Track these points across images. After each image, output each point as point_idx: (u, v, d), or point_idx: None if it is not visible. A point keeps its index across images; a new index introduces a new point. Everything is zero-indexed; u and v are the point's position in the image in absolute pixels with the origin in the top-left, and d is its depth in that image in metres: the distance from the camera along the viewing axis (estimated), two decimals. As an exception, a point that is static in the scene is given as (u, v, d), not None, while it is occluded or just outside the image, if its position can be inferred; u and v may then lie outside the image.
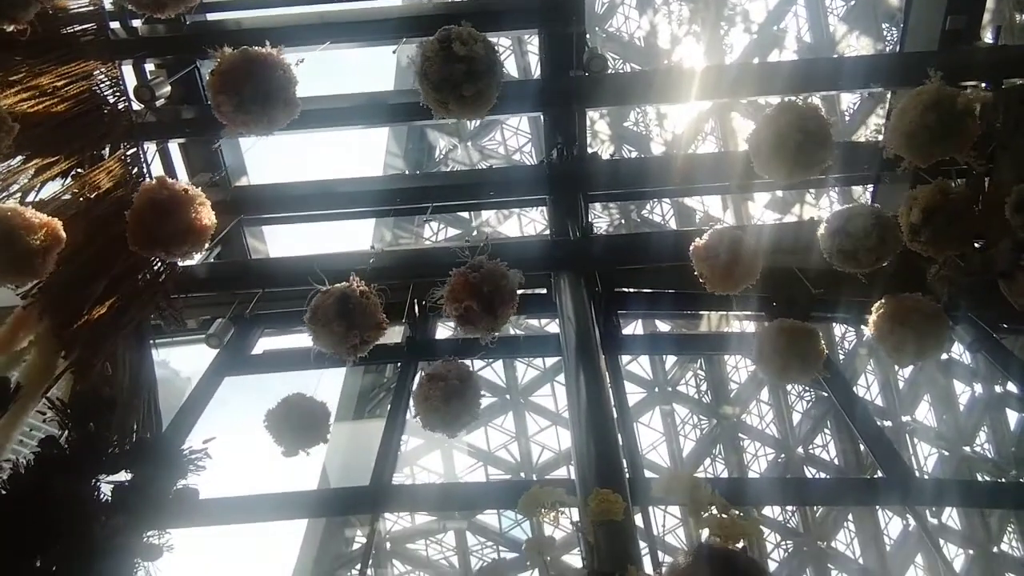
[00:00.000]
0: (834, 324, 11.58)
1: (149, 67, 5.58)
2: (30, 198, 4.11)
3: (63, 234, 3.63)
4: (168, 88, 5.56)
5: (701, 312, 6.97)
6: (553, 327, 6.53)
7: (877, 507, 15.97)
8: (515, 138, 21.03)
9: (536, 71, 8.46)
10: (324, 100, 5.82)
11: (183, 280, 5.17)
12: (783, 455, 19.02)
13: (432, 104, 3.49)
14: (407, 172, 19.64)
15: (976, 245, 4.46)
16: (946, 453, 16.49)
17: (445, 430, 3.93)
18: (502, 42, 17.53)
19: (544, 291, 6.21)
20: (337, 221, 6.62)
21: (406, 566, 18.87)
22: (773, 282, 4.33)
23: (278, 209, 6.41)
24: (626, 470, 4.55)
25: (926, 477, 15.05)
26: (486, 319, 3.78)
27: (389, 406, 6.04)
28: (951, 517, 15.62)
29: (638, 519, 4.78)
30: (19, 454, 3.21)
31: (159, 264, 4.75)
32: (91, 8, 4.57)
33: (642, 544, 3.93)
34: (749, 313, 6.34)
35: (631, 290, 6.41)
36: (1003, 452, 15.22)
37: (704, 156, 11.98)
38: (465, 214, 19.09)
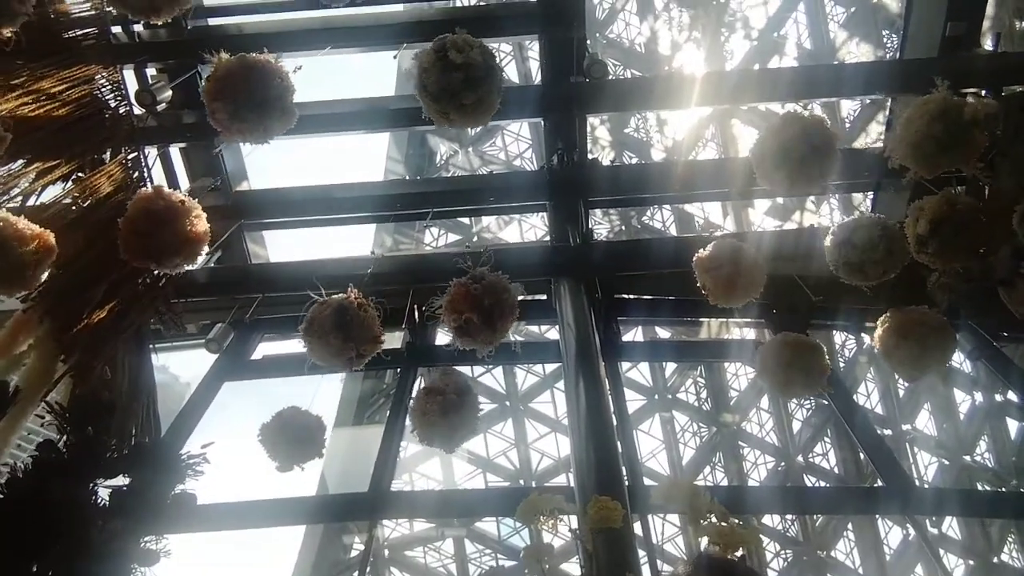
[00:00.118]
0: (834, 332, 11.56)
1: (150, 71, 5.60)
2: (31, 202, 4.11)
3: (55, 245, 3.59)
4: (169, 92, 5.56)
5: (701, 319, 6.98)
6: (553, 333, 6.51)
7: (877, 516, 15.88)
8: (516, 144, 21.04)
9: (537, 77, 8.46)
10: (324, 105, 5.83)
11: (183, 284, 5.15)
12: (783, 463, 18.96)
13: (433, 116, 3.41)
14: (408, 177, 19.64)
15: (976, 252, 4.45)
16: (946, 462, 16.45)
17: (443, 445, 3.87)
18: (503, 48, 17.59)
19: (544, 297, 6.21)
20: (338, 226, 6.64)
21: (404, 573, 18.79)
22: (774, 290, 4.31)
23: (279, 214, 6.42)
24: (625, 478, 4.53)
25: (926, 486, 14.97)
26: (485, 332, 3.71)
27: (388, 412, 6.03)
28: (951, 527, 15.60)
29: (637, 527, 4.75)
30: (17, 458, 3.21)
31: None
32: (93, 12, 4.57)
33: (641, 552, 3.92)
34: (749, 320, 6.34)
35: (631, 296, 6.40)
36: (1003, 461, 15.20)
37: (705, 162, 11.97)
38: (466, 220, 19.07)
